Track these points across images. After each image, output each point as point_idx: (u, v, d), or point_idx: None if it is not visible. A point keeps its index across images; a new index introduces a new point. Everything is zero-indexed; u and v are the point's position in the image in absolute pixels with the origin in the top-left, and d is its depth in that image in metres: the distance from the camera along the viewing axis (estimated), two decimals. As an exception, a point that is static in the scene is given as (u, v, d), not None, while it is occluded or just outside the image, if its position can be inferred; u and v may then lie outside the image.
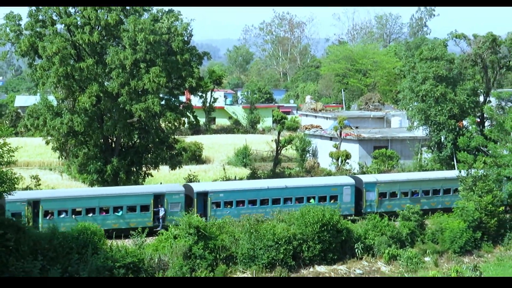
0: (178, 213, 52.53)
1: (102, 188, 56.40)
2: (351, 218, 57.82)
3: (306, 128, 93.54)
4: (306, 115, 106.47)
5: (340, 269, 51.63)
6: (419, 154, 76.68)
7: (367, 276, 51.33)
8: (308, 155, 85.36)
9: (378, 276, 51.49)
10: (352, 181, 59.38)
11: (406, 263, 52.94)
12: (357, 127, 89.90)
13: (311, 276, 50.29)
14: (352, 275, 51.14)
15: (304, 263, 51.21)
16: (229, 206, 55.11)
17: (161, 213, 53.22)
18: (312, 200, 57.03)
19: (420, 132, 76.03)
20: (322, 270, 51.16)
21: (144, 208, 52.92)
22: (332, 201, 57.23)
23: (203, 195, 54.76)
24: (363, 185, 59.05)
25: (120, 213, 52.24)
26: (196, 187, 55.69)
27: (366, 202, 58.87)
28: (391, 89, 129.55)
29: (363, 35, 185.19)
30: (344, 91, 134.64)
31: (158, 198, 53.60)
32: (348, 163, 77.70)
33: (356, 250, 53.29)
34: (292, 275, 50.01)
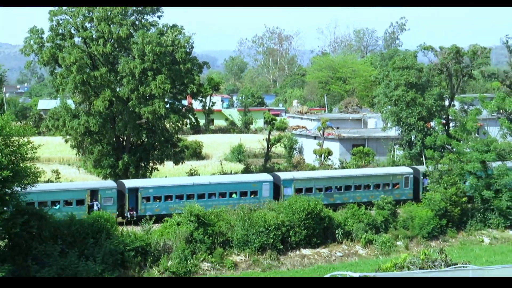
0: (111, 207, 51.14)
1: (42, 184, 52.48)
2: None
3: (293, 129, 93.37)
4: (293, 117, 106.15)
5: (323, 252, 51.61)
6: (392, 151, 76.66)
7: (346, 258, 51.39)
8: (295, 152, 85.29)
9: (357, 259, 51.53)
10: (270, 178, 57.18)
11: (380, 247, 53.01)
12: (338, 128, 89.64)
13: (298, 258, 50.31)
14: (333, 257, 51.17)
15: (291, 247, 51.10)
16: (158, 200, 52.97)
17: (96, 207, 50.80)
18: (234, 195, 55.07)
19: (393, 132, 76.03)
20: (307, 253, 51.11)
21: (80, 202, 50.60)
22: (252, 196, 55.30)
23: (135, 190, 52.49)
24: (281, 182, 56.86)
25: (57, 207, 49.70)
26: (128, 183, 53.23)
27: (284, 197, 56.13)
28: (368, 94, 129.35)
29: (343, 47, 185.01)
30: (326, 96, 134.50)
31: (93, 193, 51.32)
32: (330, 159, 77.63)
33: (337, 235, 53.17)
34: (281, 258, 50.00)
